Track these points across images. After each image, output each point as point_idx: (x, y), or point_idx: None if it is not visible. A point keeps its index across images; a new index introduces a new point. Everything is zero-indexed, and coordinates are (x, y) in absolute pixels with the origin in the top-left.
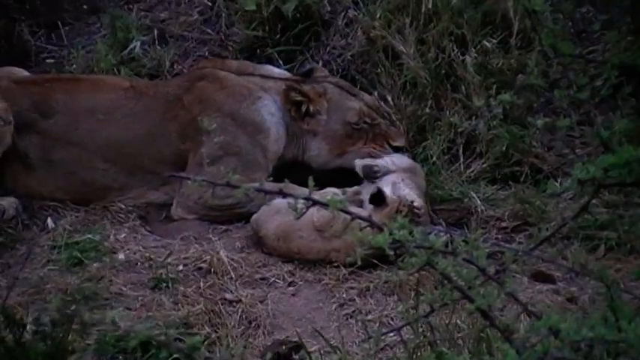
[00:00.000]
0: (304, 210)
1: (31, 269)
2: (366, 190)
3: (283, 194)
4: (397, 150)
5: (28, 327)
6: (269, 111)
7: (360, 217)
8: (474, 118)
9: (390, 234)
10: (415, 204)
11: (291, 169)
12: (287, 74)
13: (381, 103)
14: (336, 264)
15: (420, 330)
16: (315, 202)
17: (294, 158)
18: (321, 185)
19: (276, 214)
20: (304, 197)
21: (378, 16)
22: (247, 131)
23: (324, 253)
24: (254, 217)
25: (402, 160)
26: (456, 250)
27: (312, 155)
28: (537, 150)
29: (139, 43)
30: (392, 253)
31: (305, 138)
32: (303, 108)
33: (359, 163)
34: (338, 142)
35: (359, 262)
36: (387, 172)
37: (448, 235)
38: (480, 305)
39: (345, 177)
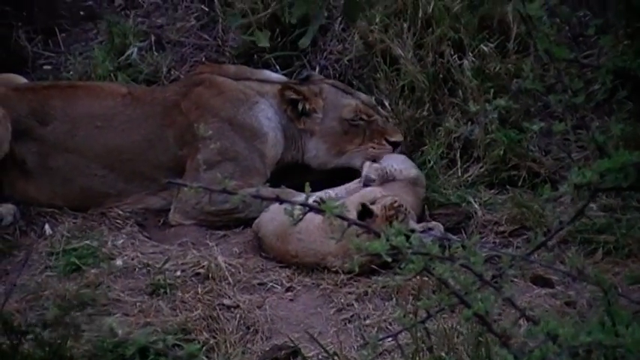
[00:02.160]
0: (300, 216)
1: (28, 275)
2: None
3: (280, 200)
4: (395, 145)
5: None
6: (266, 116)
7: (357, 224)
8: (469, 122)
9: (387, 240)
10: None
11: (291, 172)
12: (284, 79)
13: (378, 107)
14: (334, 269)
15: (418, 335)
16: (311, 208)
17: (294, 161)
18: (320, 186)
19: (277, 216)
20: (301, 203)
21: (375, 20)
22: (245, 136)
23: (321, 256)
24: (257, 220)
25: (409, 170)
26: (453, 256)
27: (311, 156)
28: (535, 154)
29: (136, 49)
30: (390, 259)
31: (303, 139)
32: (300, 107)
33: (365, 170)
34: (335, 140)
35: (356, 270)
36: (393, 179)
37: (441, 235)
38: (477, 310)
39: (345, 176)
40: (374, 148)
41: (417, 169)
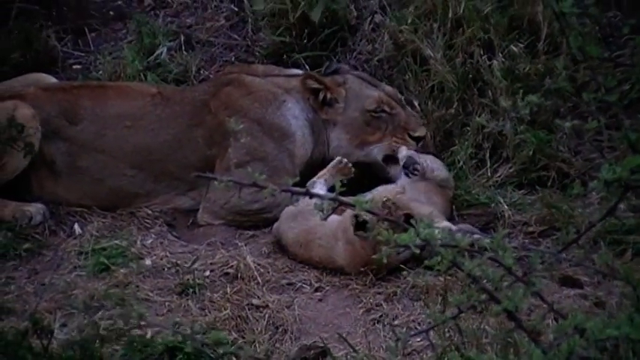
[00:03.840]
0: (330, 211)
1: (58, 275)
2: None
3: (310, 194)
4: (418, 140)
5: (55, 333)
6: (293, 114)
7: (386, 219)
8: (500, 120)
9: (417, 234)
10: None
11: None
12: None
13: (402, 100)
14: (362, 269)
15: (447, 335)
16: (341, 203)
17: (322, 156)
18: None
19: (294, 221)
20: (330, 198)
21: (405, 21)
22: (273, 137)
23: (339, 264)
24: (274, 225)
25: (440, 170)
26: (482, 250)
27: (334, 147)
28: (564, 155)
29: (165, 49)
30: (418, 251)
31: (327, 130)
32: (321, 96)
33: (404, 153)
34: (357, 131)
35: (384, 260)
36: (423, 176)
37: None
38: (507, 306)
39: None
40: (397, 143)
41: (447, 171)
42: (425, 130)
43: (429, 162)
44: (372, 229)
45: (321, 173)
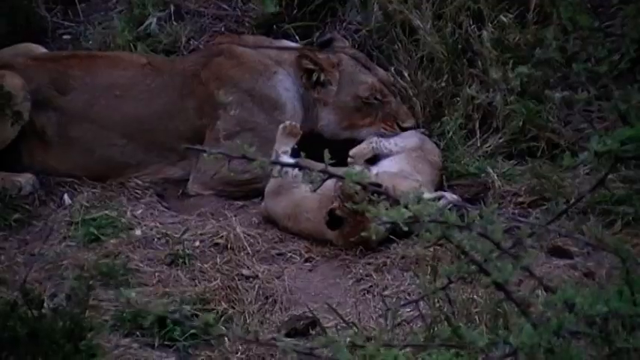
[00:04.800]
0: (320, 183)
1: (48, 245)
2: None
3: (299, 167)
4: (405, 131)
5: (45, 304)
6: (284, 86)
7: (377, 191)
8: (490, 91)
9: (406, 207)
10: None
11: (308, 143)
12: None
13: (397, 78)
14: (352, 239)
15: (437, 305)
16: (330, 175)
17: (311, 129)
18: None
19: (279, 195)
20: (320, 170)
21: None
22: (264, 108)
23: (326, 239)
24: (262, 205)
25: (407, 140)
26: (471, 225)
27: (322, 125)
28: (554, 125)
29: (155, 19)
30: (406, 228)
31: (317, 107)
32: (314, 76)
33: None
34: (347, 114)
35: (373, 237)
36: (390, 154)
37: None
38: (496, 279)
39: None
40: (385, 130)
41: (420, 140)
42: (413, 122)
43: (392, 140)
44: (361, 203)
45: (276, 146)
